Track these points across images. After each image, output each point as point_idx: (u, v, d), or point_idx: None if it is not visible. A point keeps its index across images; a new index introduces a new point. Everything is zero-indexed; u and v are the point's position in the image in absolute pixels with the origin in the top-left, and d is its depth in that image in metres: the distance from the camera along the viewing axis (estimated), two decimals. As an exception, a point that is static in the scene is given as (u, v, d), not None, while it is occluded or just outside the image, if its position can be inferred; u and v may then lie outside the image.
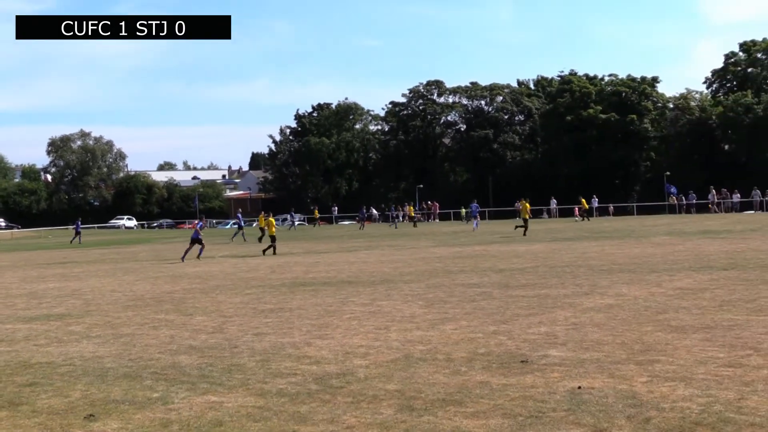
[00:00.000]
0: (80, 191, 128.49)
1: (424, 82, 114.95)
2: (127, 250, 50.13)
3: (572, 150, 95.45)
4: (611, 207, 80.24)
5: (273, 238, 37.64)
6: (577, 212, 70.00)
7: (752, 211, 70.59)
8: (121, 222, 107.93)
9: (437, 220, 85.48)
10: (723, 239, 33.87)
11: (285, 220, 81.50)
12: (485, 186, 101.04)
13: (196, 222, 48.90)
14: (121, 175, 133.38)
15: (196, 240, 36.30)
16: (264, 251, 37.17)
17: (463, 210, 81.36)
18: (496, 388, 9.12)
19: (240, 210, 65.80)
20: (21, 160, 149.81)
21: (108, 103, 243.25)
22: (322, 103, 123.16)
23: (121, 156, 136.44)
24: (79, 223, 64.87)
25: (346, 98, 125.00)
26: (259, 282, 23.60)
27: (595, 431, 7.35)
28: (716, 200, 73.70)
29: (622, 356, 10.57)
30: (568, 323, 13.47)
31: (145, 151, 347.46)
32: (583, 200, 68.25)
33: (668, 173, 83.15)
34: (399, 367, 10.51)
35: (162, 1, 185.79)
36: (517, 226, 45.47)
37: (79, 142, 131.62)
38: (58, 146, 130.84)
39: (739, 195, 76.04)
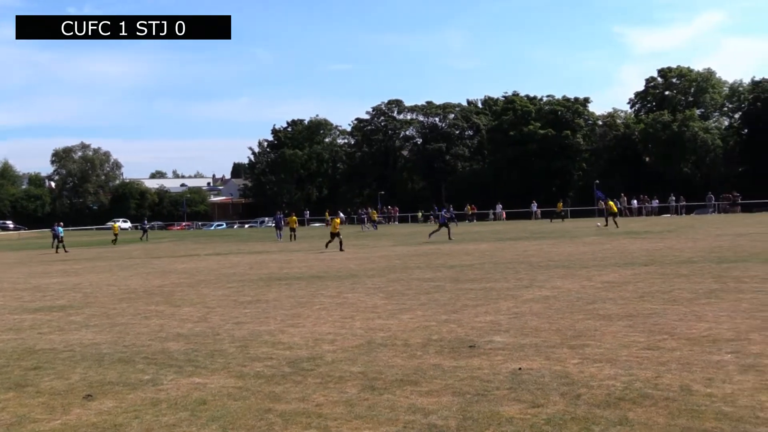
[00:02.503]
0: (80, 197, 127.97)
1: (386, 101, 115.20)
2: (121, 249, 49.67)
3: (515, 161, 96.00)
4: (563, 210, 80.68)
5: (334, 235, 36.05)
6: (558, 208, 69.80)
7: (669, 215, 71.29)
8: (116, 223, 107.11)
9: (397, 223, 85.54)
10: (644, 239, 34.16)
11: (263, 222, 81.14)
12: (439, 192, 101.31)
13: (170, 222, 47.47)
14: (117, 182, 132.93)
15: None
16: (326, 245, 36.39)
17: (420, 213, 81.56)
18: (447, 369, 9.15)
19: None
20: (27, 169, 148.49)
21: (106, 119, 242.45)
22: (296, 119, 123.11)
23: (117, 165, 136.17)
24: (57, 227, 53.24)
25: (317, 115, 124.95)
26: (239, 277, 23.51)
27: (533, 407, 7.38)
28: (626, 205, 74.41)
29: (557, 341, 10.64)
30: (510, 313, 13.53)
31: (139, 161, 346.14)
32: (560, 203, 68.49)
33: (597, 181, 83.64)
34: (362, 351, 10.51)
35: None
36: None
37: (79, 153, 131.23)
38: (61, 156, 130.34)
39: (657, 201, 76.91)
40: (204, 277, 24.00)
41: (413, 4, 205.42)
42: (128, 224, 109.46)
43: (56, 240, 51.31)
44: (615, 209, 49.90)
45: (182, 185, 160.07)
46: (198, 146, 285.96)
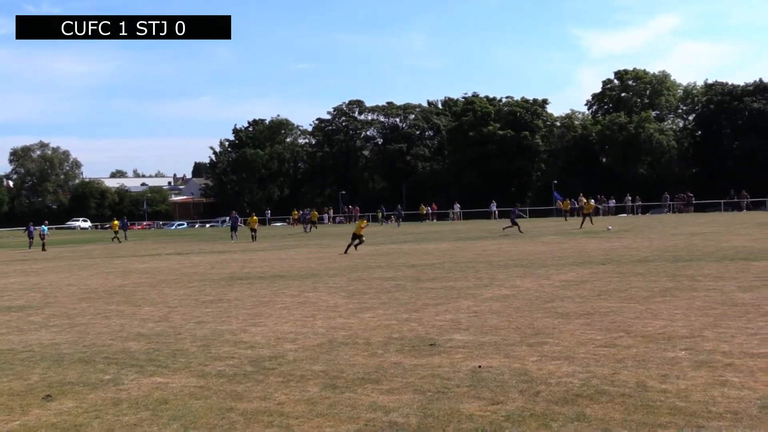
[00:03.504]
0: (40, 196, 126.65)
1: (347, 102, 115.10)
2: (82, 248, 49.09)
3: (475, 161, 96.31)
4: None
5: (356, 236, 32.53)
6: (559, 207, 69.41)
7: (625, 215, 72.11)
8: (76, 223, 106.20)
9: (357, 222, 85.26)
10: (601, 238, 34.50)
11: (224, 222, 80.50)
12: (399, 192, 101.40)
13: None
14: (77, 181, 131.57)
15: None
16: (346, 251, 32.35)
17: (379, 213, 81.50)
18: (408, 368, 9.17)
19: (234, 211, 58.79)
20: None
21: (66, 117, 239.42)
22: (257, 119, 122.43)
23: (77, 164, 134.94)
24: (32, 226, 54.82)
25: (279, 115, 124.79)
26: (200, 276, 23.36)
27: (492, 404, 7.43)
28: (580, 205, 75.20)
29: (516, 339, 10.70)
30: (470, 311, 13.59)
31: (99, 160, 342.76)
32: (567, 202, 68.32)
33: (555, 182, 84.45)
34: (324, 350, 10.51)
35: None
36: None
37: (38, 152, 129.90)
38: (19, 155, 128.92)
39: (614, 201, 77.78)
40: (165, 277, 23.81)
41: (375, 4, 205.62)
42: (88, 224, 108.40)
43: (32, 240, 52.46)
44: (591, 208, 49.78)
45: (143, 185, 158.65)
46: (159, 145, 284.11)
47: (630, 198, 76.36)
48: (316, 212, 73.41)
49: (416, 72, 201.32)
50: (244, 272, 24.35)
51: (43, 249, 48.31)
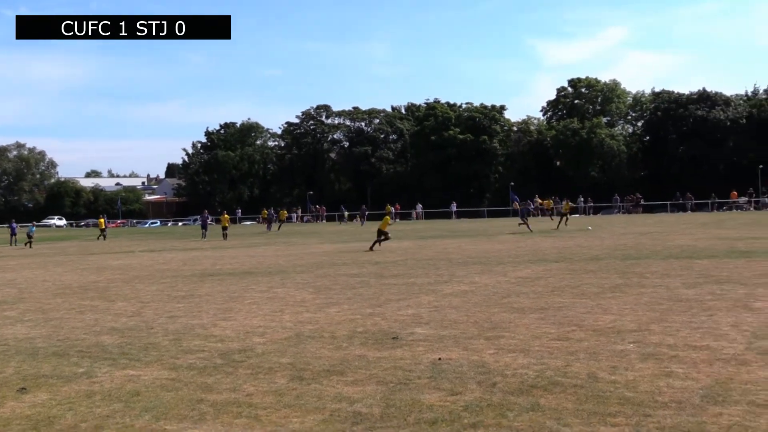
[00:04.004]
0: (16, 195, 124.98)
1: (315, 106, 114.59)
2: (57, 245, 48.44)
3: (436, 164, 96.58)
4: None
5: (381, 233, 31.75)
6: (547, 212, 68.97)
7: (578, 215, 72.68)
8: (52, 221, 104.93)
9: (324, 221, 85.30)
10: (554, 237, 34.77)
11: (195, 220, 79.83)
12: (364, 193, 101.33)
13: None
14: (53, 181, 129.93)
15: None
16: (379, 244, 31.52)
17: (346, 213, 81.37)
18: (371, 360, 9.16)
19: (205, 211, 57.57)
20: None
21: (41, 119, 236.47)
22: (228, 122, 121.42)
23: (53, 164, 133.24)
24: (14, 224, 55.07)
25: (249, 118, 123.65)
26: (173, 273, 23.16)
27: (452, 395, 7.44)
28: (537, 206, 75.68)
29: (474, 333, 10.74)
30: (431, 306, 13.61)
31: (74, 161, 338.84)
32: (549, 201, 67.98)
33: (512, 184, 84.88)
34: (291, 343, 10.47)
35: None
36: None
37: (15, 152, 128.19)
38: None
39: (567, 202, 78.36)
40: (138, 273, 23.57)
41: (341, 15, 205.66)
42: (63, 222, 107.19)
43: (14, 236, 51.82)
44: (568, 208, 49.49)
45: (117, 184, 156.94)
46: (133, 146, 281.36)
47: (582, 199, 77.06)
48: (284, 212, 72.95)
49: (381, 79, 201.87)
50: (215, 269, 24.19)
51: (30, 246, 47.15)
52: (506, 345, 9.78)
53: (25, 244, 47.39)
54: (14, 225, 54.40)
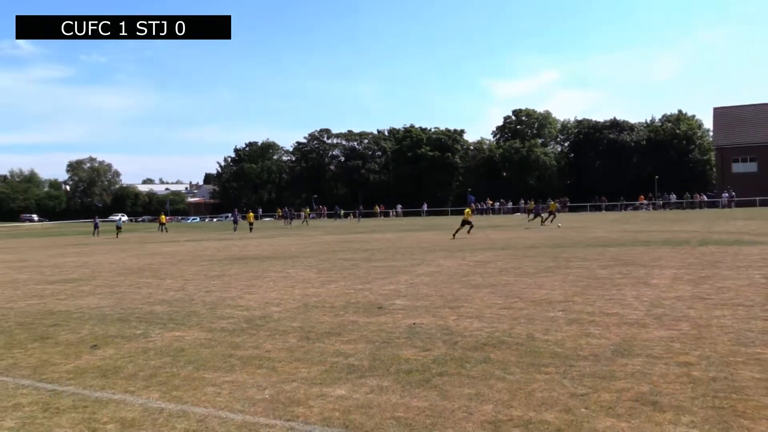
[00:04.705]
0: (89, 197, 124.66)
1: (318, 129, 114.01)
2: (121, 236, 48.11)
3: (411, 175, 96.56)
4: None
5: (465, 222, 29.83)
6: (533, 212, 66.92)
7: (519, 214, 72.87)
8: (117, 218, 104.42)
9: (325, 218, 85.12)
10: (502, 231, 34.81)
11: (227, 217, 79.38)
12: (356, 197, 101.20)
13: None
14: (117, 186, 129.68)
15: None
16: (468, 232, 29.78)
17: (342, 212, 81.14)
18: (362, 324, 9.17)
19: (236, 209, 55.51)
20: (48, 176, 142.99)
21: (109, 138, 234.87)
22: (252, 141, 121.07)
23: (117, 174, 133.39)
24: (97, 219, 56.13)
25: (268, 138, 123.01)
26: (209, 258, 23.05)
27: (423, 351, 7.46)
28: (491, 206, 75.89)
29: (441, 303, 10.76)
30: (407, 283, 13.63)
31: (134, 171, 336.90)
32: (532, 202, 66.95)
33: (470, 189, 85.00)
34: (300, 312, 10.45)
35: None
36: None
37: (88, 164, 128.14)
38: (74, 166, 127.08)
39: (511, 203, 78.61)
40: (183, 258, 23.45)
41: (338, 61, 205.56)
42: (126, 218, 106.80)
43: (97, 229, 51.10)
44: (554, 207, 45.72)
45: (166, 189, 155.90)
46: (178, 160, 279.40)
47: (523, 201, 77.26)
48: (308, 210, 71.22)
49: (369, 109, 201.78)
50: (242, 254, 24.10)
51: (117, 236, 45.64)
52: (465, 313, 9.81)
53: (117, 236, 46.41)
54: (97, 221, 53.95)
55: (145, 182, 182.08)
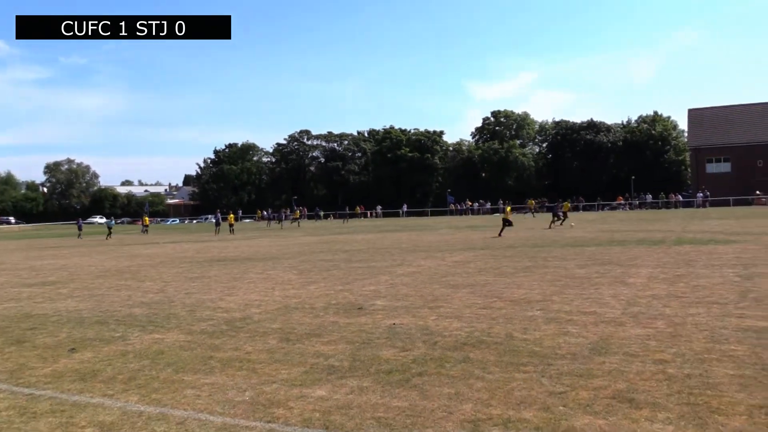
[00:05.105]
0: (67, 199, 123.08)
1: (298, 131, 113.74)
2: (99, 238, 47.55)
3: (391, 175, 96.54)
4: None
5: (507, 221, 29.82)
6: (530, 209, 65.36)
7: (498, 214, 73.16)
8: (95, 219, 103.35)
9: (305, 219, 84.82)
10: (482, 231, 34.94)
11: (207, 218, 78.67)
12: (336, 198, 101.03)
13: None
14: (95, 188, 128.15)
15: None
16: (500, 234, 29.11)
17: (321, 213, 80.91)
18: (342, 325, 9.16)
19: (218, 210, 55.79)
20: (26, 177, 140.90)
21: (88, 140, 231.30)
22: (232, 142, 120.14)
23: (95, 175, 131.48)
24: (81, 221, 56.03)
25: (248, 140, 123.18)
26: (189, 259, 22.87)
27: (403, 351, 7.47)
28: (469, 206, 76.20)
29: (420, 304, 10.78)
30: (387, 284, 13.63)
31: (112, 173, 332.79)
32: (531, 201, 66.35)
33: (449, 190, 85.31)
34: (280, 313, 10.42)
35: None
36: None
37: (66, 166, 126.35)
38: (52, 168, 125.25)
39: (489, 204, 78.95)
40: (162, 260, 23.24)
41: (320, 64, 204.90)
42: (104, 220, 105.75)
43: (80, 231, 50.56)
44: (568, 207, 44.07)
45: (146, 191, 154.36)
46: (158, 161, 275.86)
47: (501, 202, 77.54)
48: (298, 211, 69.69)
49: (349, 110, 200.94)
50: (222, 256, 23.94)
51: (108, 238, 44.52)
52: (444, 313, 9.84)
53: (107, 237, 45.31)
54: (81, 222, 53.87)
55: (124, 184, 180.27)
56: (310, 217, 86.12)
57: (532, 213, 58.84)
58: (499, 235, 28.97)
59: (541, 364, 6.62)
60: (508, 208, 32.78)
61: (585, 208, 73.93)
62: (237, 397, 5.93)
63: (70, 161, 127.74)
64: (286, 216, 66.95)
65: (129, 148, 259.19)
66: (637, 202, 73.52)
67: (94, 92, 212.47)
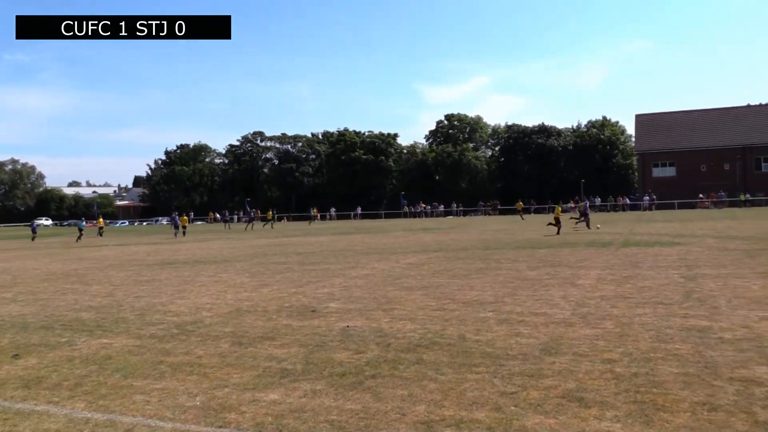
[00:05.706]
0: (11, 200, 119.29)
1: (252, 132, 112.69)
2: (45, 240, 46.17)
3: (345, 178, 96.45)
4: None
5: (558, 220, 29.96)
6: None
7: (452, 217, 73.93)
8: (40, 222, 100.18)
9: (258, 222, 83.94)
10: (434, 233, 35.20)
11: (157, 221, 77.24)
12: (290, 200, 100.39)
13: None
14: (41, 189, 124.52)
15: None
16: (558, 232, 28.99)
17: (269, 214, 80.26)
18: (295, 328, 9.10)
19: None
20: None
21: (33, 140, 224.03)
22: (183, 143, 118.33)
23: (41, 176, 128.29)
24: (35, 223, 54.45)
25: (200, 141, 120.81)
26: (139, 262, 22.40)
27: (357, 353, 7.47)
28: (423, 209, 76.65)
29: (374, 306, 10.79)
30: (341, 286, 13.61)
31: (59, 173, 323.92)
32: (519, 203, 65.87)
33: (403, 193, 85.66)
34: (232, 316, 10.29)
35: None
36: (549, 223, 32.50)
37: (10, 166, 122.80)
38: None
39: (443, 206, 79.58)
40: (111, 263, 22.70)
41: (272, 62, 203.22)
42: (50, 222, 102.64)
43: (35, 234, 49.20)
44: (581, 208, 43.22)
45: (94, 192, 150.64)
46: (106, 162, 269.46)
47: (455, 204, 78.42)
48: (270, 212, 68.82)
49: (303, 111, 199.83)
50: (173, 259, 23.52)
51: (78, 240, 43.06)
52: (398, 315, 9.87)
53: (77, 239, 43.64)
54: (35, 224, 52.83)
55: (71, 185, 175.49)
56: (263, 219, 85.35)
57: (521, 215, 59.42)
58: (557, 233, 28.89)
59: (493, 365, 6.70)
60: (559, 209, 33.05)
61: (536, 211, 75.13)
62: (188, 402, 5.84)
63: (14, 161, 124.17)
64: (255, 217, 65.80)
65: (76, 148, 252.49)
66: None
67: (39, 91, 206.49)
